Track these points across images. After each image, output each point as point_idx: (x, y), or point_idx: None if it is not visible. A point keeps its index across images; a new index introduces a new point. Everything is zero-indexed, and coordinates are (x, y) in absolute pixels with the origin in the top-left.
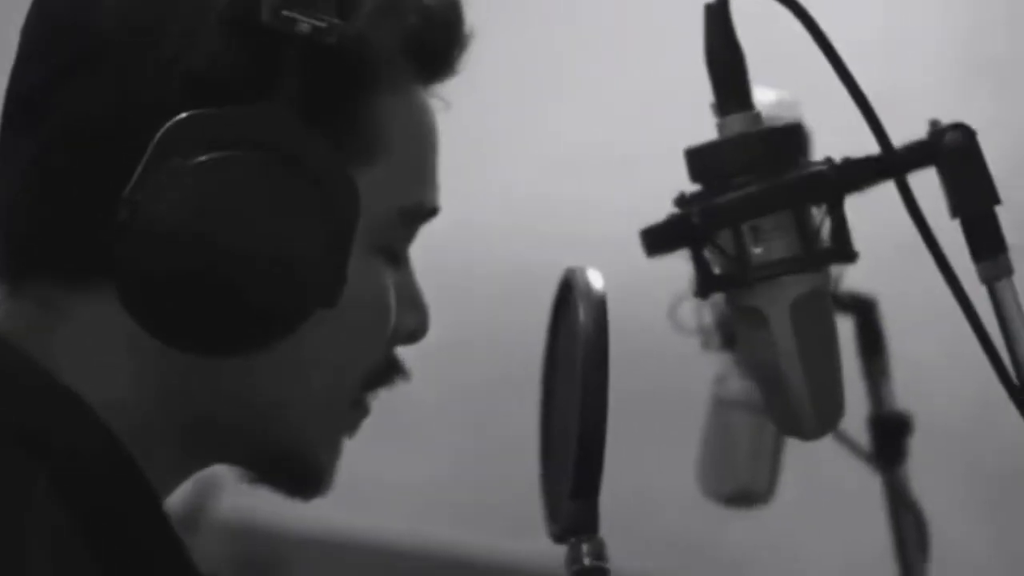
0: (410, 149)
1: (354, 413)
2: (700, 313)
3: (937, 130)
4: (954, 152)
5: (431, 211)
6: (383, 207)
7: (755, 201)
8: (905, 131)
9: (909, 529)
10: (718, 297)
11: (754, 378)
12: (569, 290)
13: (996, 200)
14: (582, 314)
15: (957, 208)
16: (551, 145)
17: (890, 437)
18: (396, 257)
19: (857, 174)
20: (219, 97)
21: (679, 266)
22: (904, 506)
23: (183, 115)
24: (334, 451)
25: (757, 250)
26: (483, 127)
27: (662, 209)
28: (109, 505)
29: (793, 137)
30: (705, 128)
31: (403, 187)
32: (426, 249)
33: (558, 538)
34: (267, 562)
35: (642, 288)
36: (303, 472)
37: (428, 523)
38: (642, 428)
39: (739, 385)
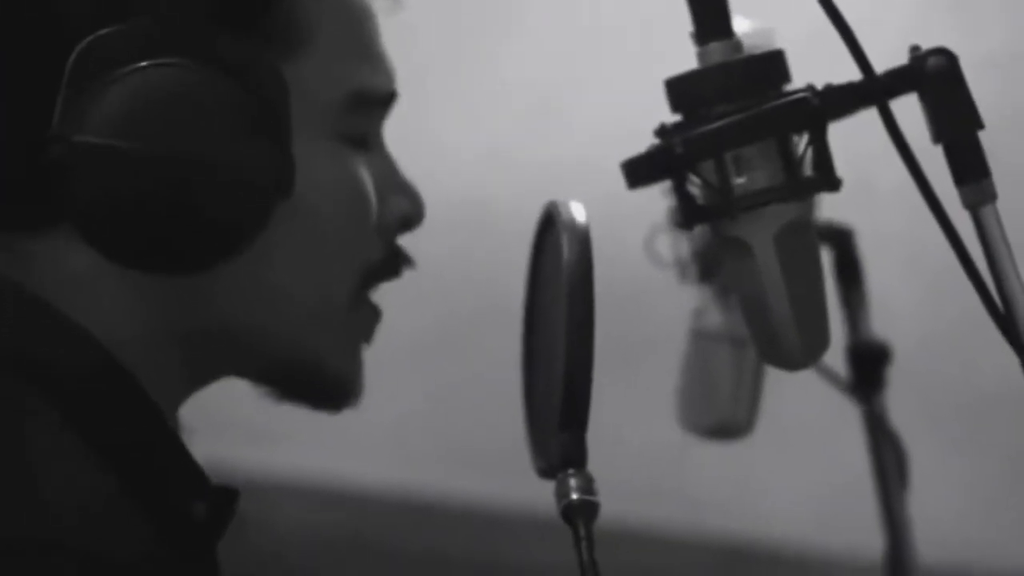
0: (343, 33)
1: (362, 315)
2: (677, 245)
3: (919, 55)
4: (937, 76)
5: (385, 96)
6: (328, 92)
7: (737, 130)
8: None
9: (888, 458)
10: (695, 229)
11: (740, 309)
12: (551, 223)
13: (979, 124)
14: (566, 247)
15: (940, 133)
16: (524, 73)
17: (868, 367)
18: (364, 142)
19: (839, 101)
20: (122, 14)
21: (654, 197)
22: (883, 435)
23: (90, 37)
24: (348, 356)
25: (740, 180)
26: (458, 54)
27: (637, 138)
28: (112, 419)
29: (774, 65)
30: (685, 57)
31: (344, 70)
32: None
33: (545, 472)
34: (243, 513)
35: (617, 219)
36: (317, 382)
37: (406, 463)
38: (614, 364)
39: (718, 318)
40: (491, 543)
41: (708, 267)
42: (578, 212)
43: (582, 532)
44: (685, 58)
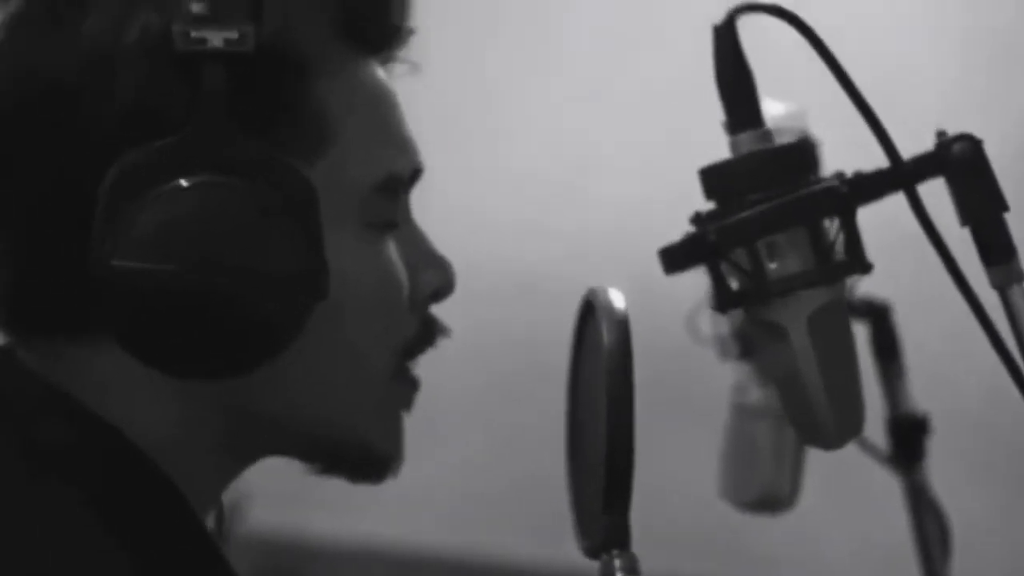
0: (366, 124)
1: (401, 387)
2: (717, 322)
3: (944, 141)
4: (961, 163)
5: (412, 175)
6: (356, 183)
7: (770, 218)
8: (907, 110)
9: (931, 528)
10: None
11: (775, 390)
12: (591, 310)
13: (1005, 207)
14: (606, 336)
15: (967, 216)
16: (567, 144)
17: (908, 439)
18: (393, 223)
19: (868, 188)
20: (153, 130)
21: (696, 274)
22: (925, 506)
23: (121, 162)
24: (390, 430)
25: (773, 265)
26: (501, 126)
27: (677, 210)
28: (147, 523)
29: (803, 153)
30: (717, 127)
31: (370, 162)
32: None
33: (591, 553)
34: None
35: (661, 294)
36: (361, 458)
37: (448, 528)
38: (661, 432)
39: (759, 393)
40: None
41: (748, 344)
42: (617, 299)
43: None
44: (718, 128)
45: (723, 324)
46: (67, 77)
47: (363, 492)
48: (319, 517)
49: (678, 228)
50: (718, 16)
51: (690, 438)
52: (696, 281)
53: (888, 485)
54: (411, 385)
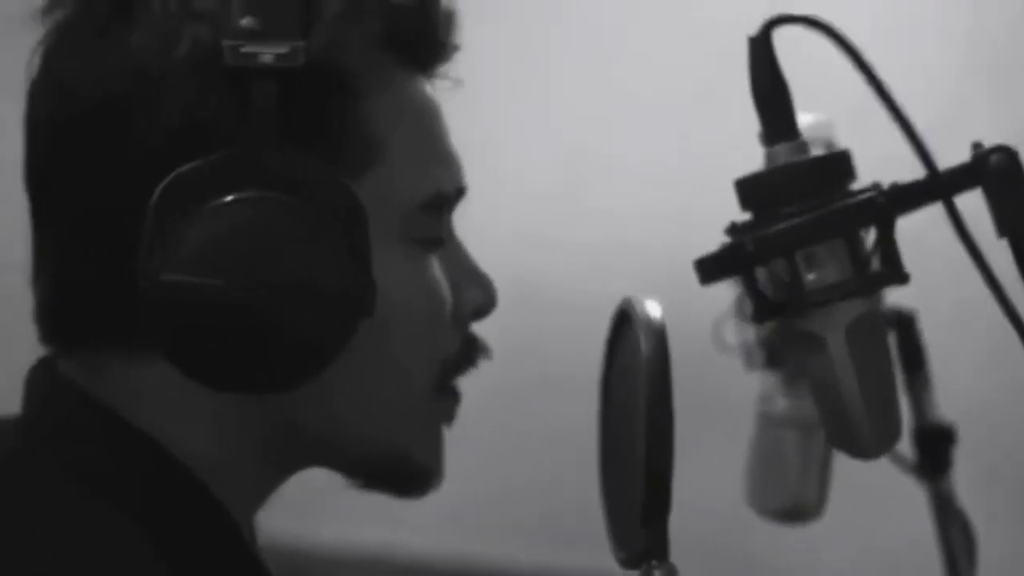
0: (413, 140)
1: (443, 402)
2: (742, 331)
3: (981, 152)
4: (999, 173)
5: (456, 193)
6: (402, 203)
7: (809, 229)
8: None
9: (957, 538)
10: None
11: (812, 400)
12: (627, 321)
13: None
14: (644, 345)
15: (1004, 228)
16: (569, 152)
17: (934, 448)
18: (438, 240)
19: (905, 199)
20: (201, 145)
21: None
22: (951, 516)
23: (171, 176)
24: (431, 444)
25: (810, 276)
26: (507, 132)
27: (683, 220)
28: (184, 531)
29: (839, 164)
30: (717, 132)
31: (417, 179)
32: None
33: (628, 563)
34: None
35: (683, 303)
36: (404, 472)
37: (457, 535)
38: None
39: (785, 402)
40: None
41: (773, 353)
42: (653, 309)
43: None
44: (718, 133)
45: (749, 333)
46: (115, 90)
47: (369, 499)
48: (327, 525)
49: (683, 238)
50: (724, 20)
51: (707, 446)
52: (704, 290)
53: (904, 494)
54: (452, 398)
